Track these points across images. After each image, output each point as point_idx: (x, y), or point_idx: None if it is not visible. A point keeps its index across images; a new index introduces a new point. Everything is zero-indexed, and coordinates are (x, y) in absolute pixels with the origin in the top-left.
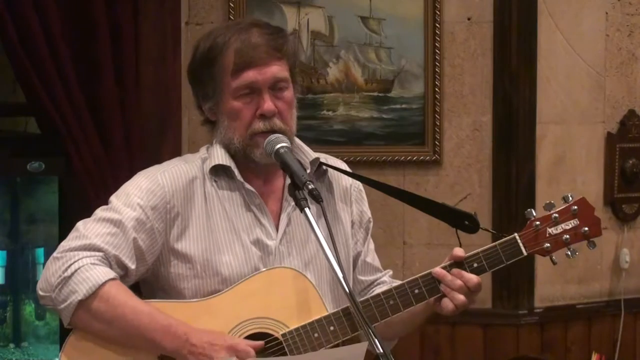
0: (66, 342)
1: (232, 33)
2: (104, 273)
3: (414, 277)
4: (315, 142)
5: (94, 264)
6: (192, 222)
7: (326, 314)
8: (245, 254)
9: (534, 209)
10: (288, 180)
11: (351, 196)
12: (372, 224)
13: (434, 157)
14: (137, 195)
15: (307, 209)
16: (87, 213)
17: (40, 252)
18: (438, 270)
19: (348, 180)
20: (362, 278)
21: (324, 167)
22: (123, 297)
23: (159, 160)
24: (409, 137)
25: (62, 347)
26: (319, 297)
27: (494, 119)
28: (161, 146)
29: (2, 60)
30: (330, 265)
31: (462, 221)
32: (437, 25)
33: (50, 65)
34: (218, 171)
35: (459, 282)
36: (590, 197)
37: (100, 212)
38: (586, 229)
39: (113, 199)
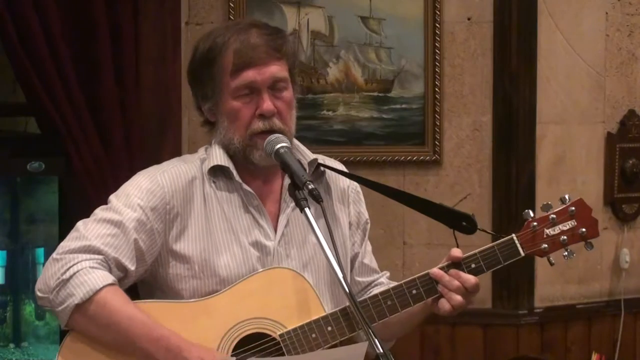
0: (62, 343)
1: (232, 33)
2: (102, 277)
3: (411, 277)
4: (315, 142)
5: (92, 267)
6: (191, 223)
7: (324, 314)
8: (243, 255)
9: (534, 209)
10: (286, 181)
11: (349, 197)
12: (369, 225)
13: (434, 157)
14: (137, 195)
15: (307, 209)
16: (87, 213)
17: (40, 252)
18: (436, 270)
19: (346, 182)
20: (360, 279)
21: (322, 168)
22: (119, 304)
23: (159, 160)
24: (409, 137)
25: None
26: (317, 297)
27: (494, 119)
28: (161, 146)
29: (2, 60)
30: (330, 265)
31: (460, 222)
32: (437, 25)
33: (50, 65)
34: (216, 172)
35: (456, 282)
36: (590, 197)
37: (100, 212)
38: (584, 230)
39: (113, 199)
